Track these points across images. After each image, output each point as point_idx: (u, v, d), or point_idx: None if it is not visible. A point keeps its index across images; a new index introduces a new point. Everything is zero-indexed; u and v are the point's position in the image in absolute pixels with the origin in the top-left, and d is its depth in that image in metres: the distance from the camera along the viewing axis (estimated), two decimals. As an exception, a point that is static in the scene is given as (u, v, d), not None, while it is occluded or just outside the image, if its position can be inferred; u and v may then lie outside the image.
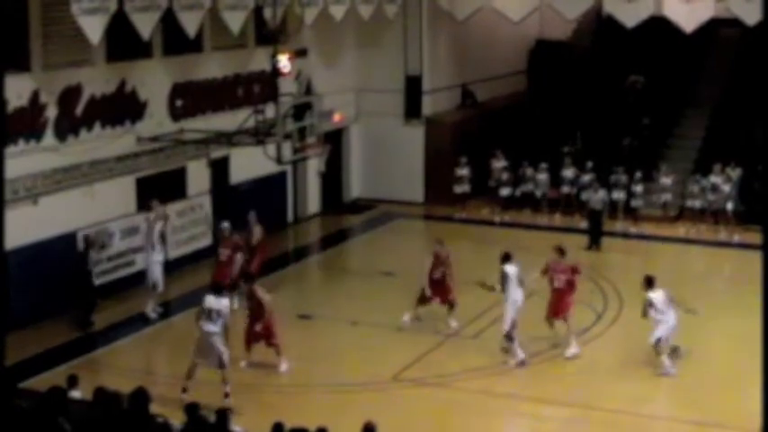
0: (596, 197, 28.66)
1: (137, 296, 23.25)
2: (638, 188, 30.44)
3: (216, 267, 22.85)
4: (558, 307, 20.62)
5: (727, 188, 29.57)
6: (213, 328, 17.92)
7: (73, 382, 15.16)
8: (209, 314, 17.98)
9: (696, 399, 18.49)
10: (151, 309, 22.71)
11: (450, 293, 22.00)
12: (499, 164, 32.16)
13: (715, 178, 29.83)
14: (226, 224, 23.23)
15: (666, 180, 30.46)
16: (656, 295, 19.39)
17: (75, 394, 14.73)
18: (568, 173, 31.32)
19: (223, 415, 13.00)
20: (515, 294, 19.85)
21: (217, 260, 22.98)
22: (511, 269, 20.00)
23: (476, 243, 29.51)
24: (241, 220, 23.92)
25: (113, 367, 20.33)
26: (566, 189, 31.39)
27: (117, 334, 21.90)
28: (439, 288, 21.94)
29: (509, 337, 19.82)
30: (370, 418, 13.22)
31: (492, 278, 20.78)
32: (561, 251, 21.01)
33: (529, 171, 31.89)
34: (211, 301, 18.09)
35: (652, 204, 30.82)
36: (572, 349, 20.36)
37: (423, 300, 22.02)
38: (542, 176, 31.64)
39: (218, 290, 18.58)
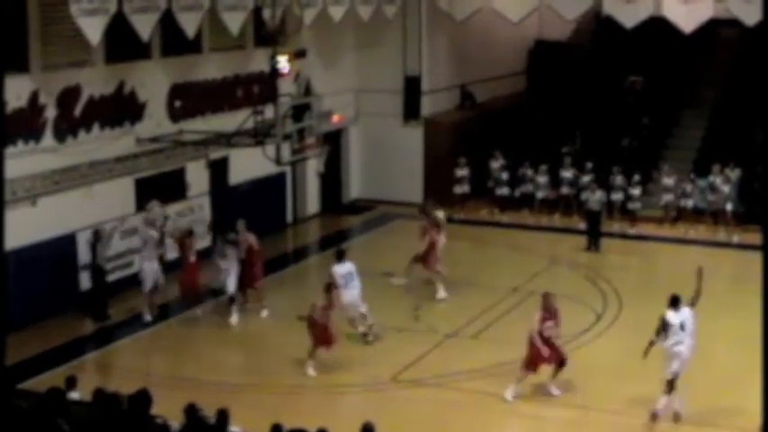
0: (594, 198, 28.60)
1: (136, 297, 23.25)
2: (636, 190, 30.33)
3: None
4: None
5: (726, 188, 29.54)
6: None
7: (72, 383, 15.15)
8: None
9: (695, 400, 18.45)
10: (148, 312, 22.68)
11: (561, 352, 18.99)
12: (498, 164, 32.15)
13: (714, 178, 29.82)
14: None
15: (669, 181, 30.41)
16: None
17: (74, 395, 14.73)
18: (568, 173, 31.28)
19: (223, 416, 12.97)
20: (681, 344, 17.44)
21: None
22: (673, 317, 17.53)
23: (475, 244, 29.53)
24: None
25: (113, 368, 20.36)
26: (565, 190, 31.34)
27: (116, 335, 21.90)
28: (552, 346, 18.77)
29: (670, 385, 17.48)
30: (368, 418, 13.21)
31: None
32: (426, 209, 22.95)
33: (529, 172, 31.84)
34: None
35: (653, 205, 30.78)
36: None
37: (534, 363, 18.69)
38: (542, 179, 31.57)
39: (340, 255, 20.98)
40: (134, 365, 20.31)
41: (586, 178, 30.46)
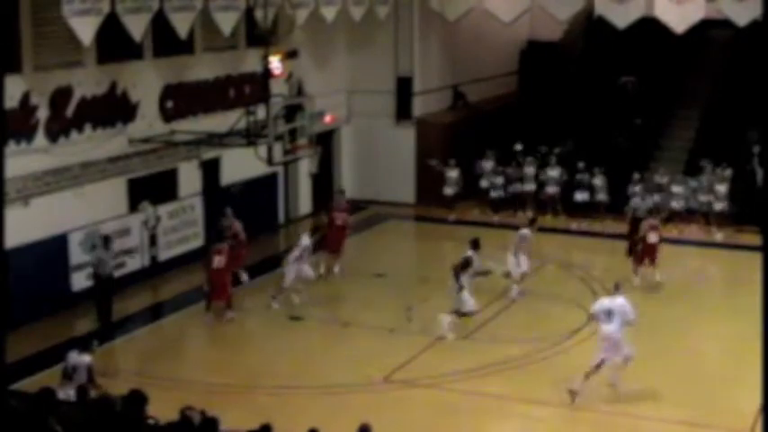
0: (642, 204, 28.04)
1: (128, 297, 23.26)
2: (636, 189, 30.38)
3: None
4: None
5: (718, 189, 29.56)
6: (612, 327, 18.23)
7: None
8: (608, 314, 18.39)
9: (687, 399, 18.51)
10: None
11: None
12: (489, 165, 32.16)
13: (705, 179, 29.85)
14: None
15: (661, 181, 30.43)
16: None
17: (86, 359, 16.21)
18: (554, 172, 31.26)
19: (212, 421, 12.92)
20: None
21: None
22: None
23: (466, 244, 29.53)
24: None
25: (105, 369, 20.31)
26: (550, 190, 31.29)
27: (109, 336, 21.85)
28: None
29: None
30: (361, 419, 13.22)
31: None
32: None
33: (517, 171, 31.79)
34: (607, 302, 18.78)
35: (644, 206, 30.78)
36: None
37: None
38: (529, 169, 31.48)
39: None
40: (126, 366, 20.31)
41: (581, 177, 30.49)
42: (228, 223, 24.56)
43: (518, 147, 32.09)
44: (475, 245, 22.37)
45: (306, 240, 23.58)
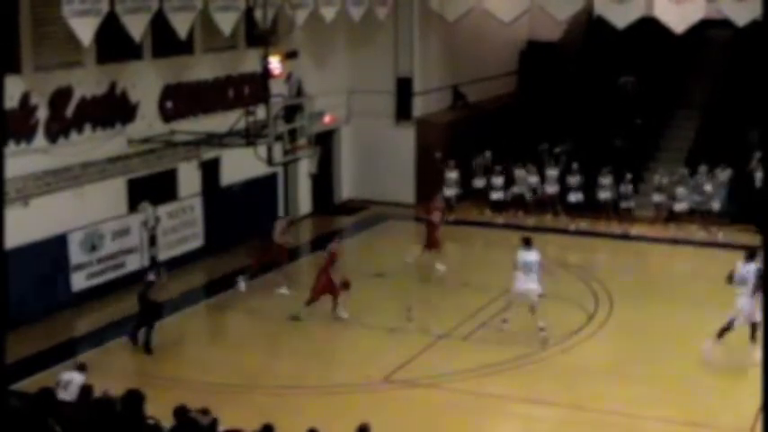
0: None
1: (128, 297, 23.22)
2: (629, 189, 30.45)
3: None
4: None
5: (712, 188, 29.56)
6: None
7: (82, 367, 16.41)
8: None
9: (687, 399, 18.50)
10: None
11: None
12: (489, 165, 32.17)
13: (702, 179, 29.86)
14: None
15: (660, 181, 30.44)
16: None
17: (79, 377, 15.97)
18: (553, 172, 31.29)
19: (213, 421, 12.96)
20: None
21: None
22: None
23: (466, 244, 29.54)
24: (232, 222, 24.06)
25: (104, 369, 20.31)
26: (549, 189, 31.31)
27: (108, 335, 21.85)
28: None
29: None
30: (362, 419, 13.22)
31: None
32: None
33: (521, 173, 31.82)
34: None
35: (644, 205, 30.81)
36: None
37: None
38: (533, 179, 31.56)
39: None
40: (126, 366, 20.31)
41: (575, 179, 30.50)
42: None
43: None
44: (751, 255, 20.51)
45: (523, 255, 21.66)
